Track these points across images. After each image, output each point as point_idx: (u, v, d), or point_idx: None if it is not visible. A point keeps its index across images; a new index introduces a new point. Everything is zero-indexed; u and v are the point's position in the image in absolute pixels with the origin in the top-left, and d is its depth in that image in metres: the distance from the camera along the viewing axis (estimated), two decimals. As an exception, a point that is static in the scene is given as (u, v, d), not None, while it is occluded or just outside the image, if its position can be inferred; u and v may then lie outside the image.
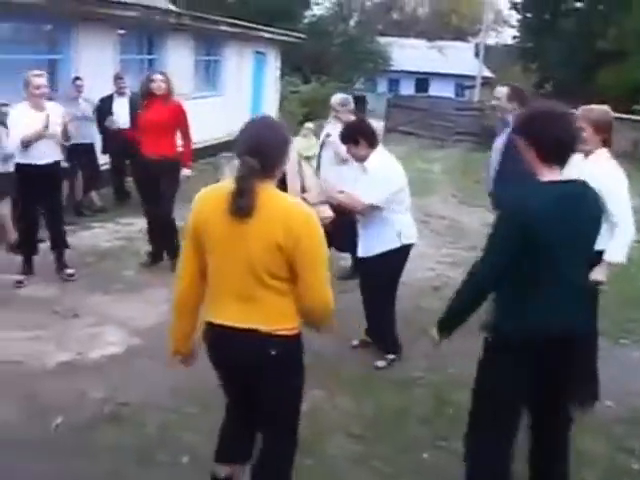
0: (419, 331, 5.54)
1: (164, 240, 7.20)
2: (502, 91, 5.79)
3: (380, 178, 5.00)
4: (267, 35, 17.34)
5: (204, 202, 2.90)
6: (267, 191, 2.78)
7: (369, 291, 5.40)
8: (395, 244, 5.12)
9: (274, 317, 2.84)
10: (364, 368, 5.21)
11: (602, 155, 4.46)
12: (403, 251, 5.21)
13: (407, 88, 41.03)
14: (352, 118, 7.09)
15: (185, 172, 7.19)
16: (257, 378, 2.97)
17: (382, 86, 41.13)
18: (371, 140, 5.11)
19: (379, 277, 5.25)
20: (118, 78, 9.79)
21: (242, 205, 2.71)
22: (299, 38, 19.59)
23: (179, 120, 7.01)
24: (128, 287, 6.66)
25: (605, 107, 4.65)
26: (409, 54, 40.24)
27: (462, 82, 41.60)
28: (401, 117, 24.00)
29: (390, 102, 25.10)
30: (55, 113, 6.43)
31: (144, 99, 7.01)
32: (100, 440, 4.02)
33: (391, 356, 5.36)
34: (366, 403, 4.70)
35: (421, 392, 4.92)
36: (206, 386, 4.48)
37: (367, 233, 5.23)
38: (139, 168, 7.09)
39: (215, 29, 14.25)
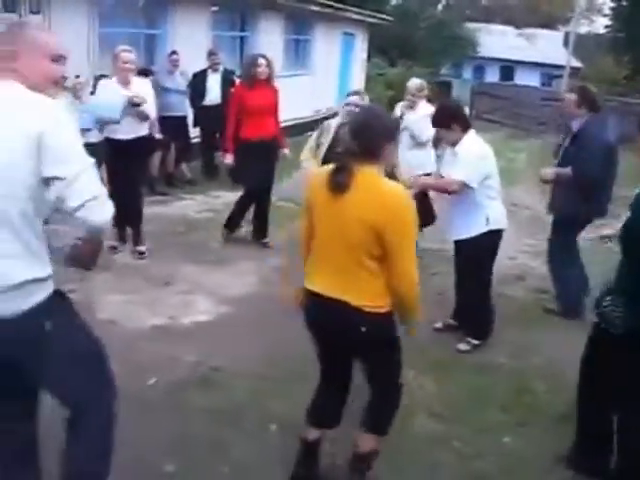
0: (502, 318, 5.57)
1: (262, 216, 7.50)
2: (569, 98, 5.71)
3: (472, 159, 4.98)
4: (355, 16, 17.34)
5: (315, 178, 3.18)
6: (366, 173, 2.97)
7: (461, 274, 5.42)
8: (483, 229, 5.12)
9: (364, 293, 3.01)
10: (448, 351, 5.25)
11: None
12: (492, 236, 5.20)
13: (492, 75, 40.28)
14: (426, 104, 7.17)
15: (285, 151, 7.43)
16: (352, 350, 3.25)
17: (467, 72, 40.54)
18: (464, 124, 5.10)
19: (469, 261, 5.26)
20: (212, 54, 9.95)
21: (338, 181, 2.95)
22: (386, 20, 19.50)
23: (277, 103, 7.23)
24: (216, 258, 6.84)
25: None
26: (496, 41, 39.45)
27: (549, 71, 40.58)
28: (486, 105, 23.67)
29: (475, 89, 24.76)
30: (142, 89, 6.49)
31: (248, 82, 7.09)
32: (191, 401, 4.18)
33: (475, 341, 5.38)
34: (448, 385, 4.73)
35: (502, 378, 4.92)
36: (295, 355, 4.68)
37: (456, 216, 5.24)
38: (244, 151, 7.16)
39: (306, 8, 14.32)
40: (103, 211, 2.49)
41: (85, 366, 2.78)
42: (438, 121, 5.18)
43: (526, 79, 36.56)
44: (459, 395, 4.63)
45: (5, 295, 2.44)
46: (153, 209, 8.36)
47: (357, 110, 5.85)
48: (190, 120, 10.05)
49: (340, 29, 17.30)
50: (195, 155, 10.33)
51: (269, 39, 13.38)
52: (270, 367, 4.68)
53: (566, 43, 40.88)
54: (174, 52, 9.70)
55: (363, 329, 3.02)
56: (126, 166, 6.43)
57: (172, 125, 9.08)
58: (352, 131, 3.01)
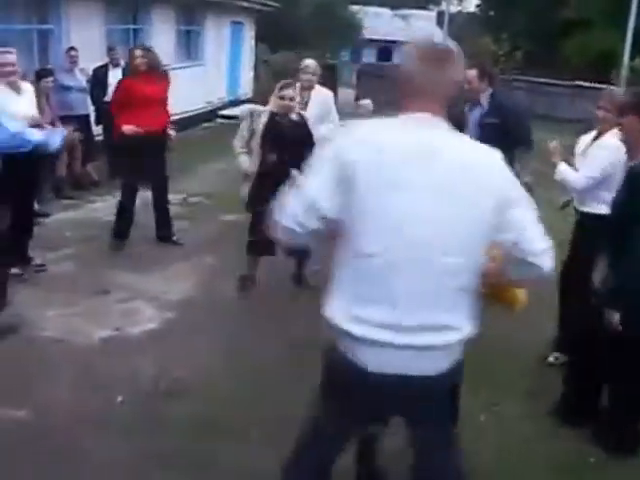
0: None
1: (163, 214, 7.16)
2: (472, 73, 5.69)
3: None
4: (245, 4, 17.14)
5: None
6: None
7: None
8: None
9: None
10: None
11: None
12: None
13: (370, 57, 40.85)
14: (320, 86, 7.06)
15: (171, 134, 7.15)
16: None
17: (344, 56, 40.87)
18: None
19: None
20: (111, 49, 9.63)
21: None
22: (274, 7, 19.39)
23: (166, 94, 7.02)
24: (146, 261, 6.58)
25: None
26: (372, 23, 40.00)
27: (425, 50, 41.55)
28: (371, 85, 23.94)
29: (360, 71, 25.04)
30: (31, 96, 6.00)
31: (131, 75, 6.94)
32: (165, 416, 4.03)
33: None
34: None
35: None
36: (252, 359, 4.68)
37: None
38: (127, 144, 6.77)
39: (196, -2, 14.07)
40: None
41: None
42: None
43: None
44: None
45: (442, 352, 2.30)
46: (65, 215, 8.03)
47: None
48: (92, 118, 9.65)
49: (229, 18, 17.07)
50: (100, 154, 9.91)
51: (161, 31, 13.05)
52: (232, 373, 4.56)
53: (439, 22, 42.15)
54: (72, 48, 9.29)
55: None
56: (19, 182, 5.66)
57: (74, 124, 8.65)
58: None
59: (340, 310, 2.27)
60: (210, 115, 16.11)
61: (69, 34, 10.07)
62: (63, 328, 5.09)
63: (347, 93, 23.02)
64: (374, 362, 2.26)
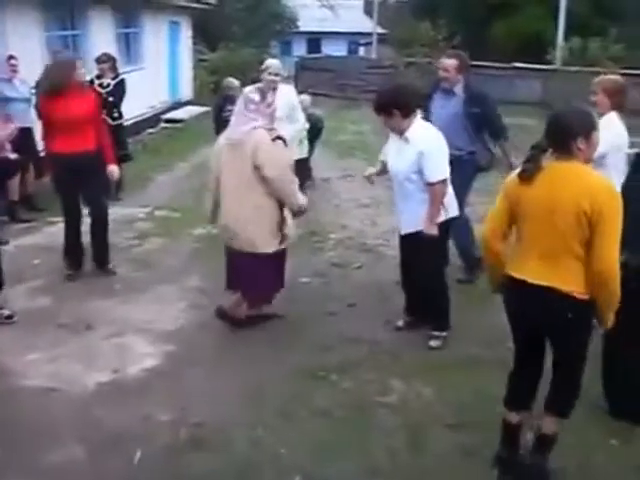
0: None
1: (103, 242, 6.39)
2: (451, 63, 5.82)
3: (436, 152, 4.74)
4: (182, 2, 16.50)
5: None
6: (562, 166, 3.17)
7: (414, 266, 5.09)
8: (441, 218, 4.85)
9: (571, 279, 3.17)
10: (421, 351, 4.94)
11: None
12: (448, 224, 4.97)
13: (299, 49, 40.41)
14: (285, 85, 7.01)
15: (112, 169, 6.28)
16: (550, 332, 3.37)
17: (275, 49, 40.36)
18: (407, 110, 4.76)
19: (425, 250, 4.94)
20: (57, 53, 8.88)
21: (526, 169, 3.22)
22: (210, 4, 18.78)
23: (97, 111, 6.22)
24: (126, 287, 6.06)
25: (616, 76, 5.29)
26: (300, 14, 39.53)
27: (354, 39, 41.42)
28: (311, 79, 23.56)
29: (299, 64, 24.62)
30: None
31: (54, 90, 5.92)
32: (193, 470, 3.58)
33: (444, 333, 5.11)
34: (445, 389, 4.43)
35: (492, 370, 4.68)
36: (274, 390, 4.35)
37: (409, 209, 4.92)
38: (59, 167, 6.12)
39: (133, -1, 13.41)
40: None
41: None
42: (379, 108, 4.80)
43: (333, 49, 37.03)
44: (462, 397, 4.33)
45: None
46: (24, 240, 7.37)
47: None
48: (38, 131, 8.96)
49: (166, 18, 16.39)
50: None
51: (101, 35, 12.36)
52: (256, 410, 4.14)
53: (367, 11, 42.00)
54: (12, 56, 8.59)
55: (570, 315, 3.19)
56: None
57: (18, 138, 7.99)
58: (549, 133, 3.21)
59: None
60: (153, 120, 15.46)
61: (7, 42, 9.34)
62: (52, 374, 4.53)
63: (289, 87, 22.57)
64: None
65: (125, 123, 9.81)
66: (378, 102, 4.80)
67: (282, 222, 4.86)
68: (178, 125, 15.90)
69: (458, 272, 6.23)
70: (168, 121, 16.06)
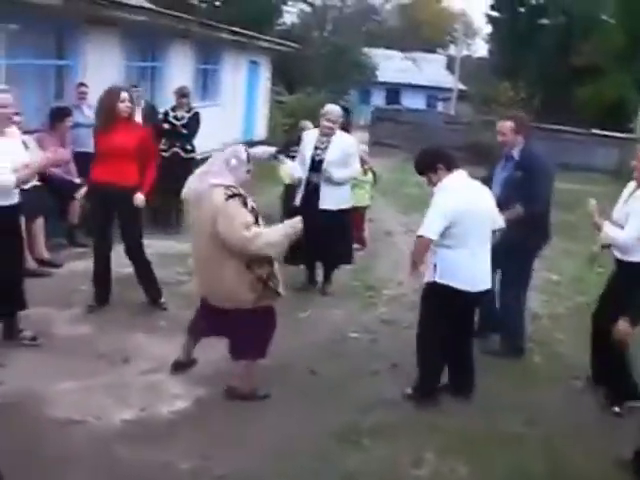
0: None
1: (146, 277, 6.30)
2: (507, 126, 5.54)
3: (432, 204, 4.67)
4: (264, 44, 16.76)
5: None
6: None
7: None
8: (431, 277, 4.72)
9: None
10: (461, 421, 4.68)
11: None
12: (440, 290, 4.69)
13: (378, 99, 40.67)
14: (342, 132, 6.97)
15: (138, 197, 6.04)
16: None
17: (354, 97, 40.72)
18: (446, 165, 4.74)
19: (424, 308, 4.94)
20: (133, 86, 9.06)
21: None
22: (292, 47, 19.03)
23: (144, 146, 6.05)
24: (170, 323, 5.94)
25: None
26: (381, 65, 39.84)
27: (434, 94, 41.46)
28: (386, 130, 23.55)
29: (375, 114, 24.67)
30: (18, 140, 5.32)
31: (104, 122, 5.90)
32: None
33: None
34: (480, 465, 4.16)
35: (533, 451, 4.41)
36: (301, 445, 4.17)
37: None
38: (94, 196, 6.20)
39: (215, 36, 13.61)
40: None
41: None
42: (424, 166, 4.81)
43: (412, 102, 37.08)
44: (499, 478, 4.06)
45: None
46: (78, 264, 7.36)
47: None
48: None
49: (246, 57, 16.66)
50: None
51: (180, 69, 12.60)
52: (282, 468, 3.95)
53: (449, 66, 42.10)
54: (82, 84, 8.87)
55: None
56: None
57: (84, 162, 8.09)
58: None
59: None
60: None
61: (86, 70, 9.57)
62: (80, 405, 4.45)
63: (359, 137, 22.59)
64: None
65: (197, 157, 9.88)
66: (415, 167, 4.88)
67: (263, 276, 4.43)
68: (247, 164, 16.01)
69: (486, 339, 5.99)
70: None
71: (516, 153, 5.60)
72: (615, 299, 4.86)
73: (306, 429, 4.39)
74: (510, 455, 4.31)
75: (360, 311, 6.79)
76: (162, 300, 6.33)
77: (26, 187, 7.15)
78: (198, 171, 4.66)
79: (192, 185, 4.58)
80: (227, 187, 4.37)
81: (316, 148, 6.77)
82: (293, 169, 7.06)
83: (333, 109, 6.86)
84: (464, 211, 4.56)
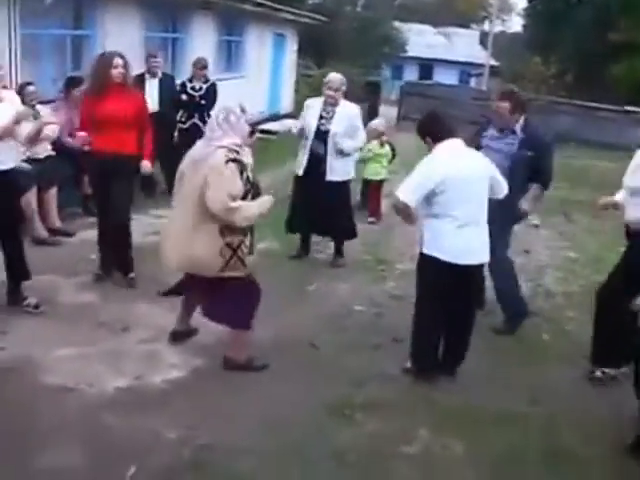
0: (477, 351, 5.03)
1: (117, 252, 6.14)
2: (503, 106, 5.52)
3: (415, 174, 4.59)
4: (289, 16, 16.59)
5: None
6: None
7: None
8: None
9: None
10: (460, 399, 4.60)
11: None
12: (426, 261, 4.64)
13: (411, 74, 40.26)
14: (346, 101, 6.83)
15: (145, 165, 6.07)
16: None
17: (385, 72, 40.36)
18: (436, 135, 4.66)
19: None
20: (151, 56, 9.02)
21: None
22: (319, 20, 18.82)
23: (140, 112, 5.95)
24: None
25: None
26: (413, 39, 39.42)
27: (467, 69, 40.95)
28: (415, 104, 23.23)
29: (404, 89, 24.36)
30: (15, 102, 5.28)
31: (96, 88, 5.77)
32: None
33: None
34: (476, 445, 4.07)
35: (532, 429, 4.32)
36: (291, 419, 4.10)
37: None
38: (92, 167, 6.06)
39: (239, 8, 13.47)
40: None
41: None
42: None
43: (444, 77, 36.65)
44: (494, 457, 3.98)
45: None
46: (91, 233, 7.34)
47: None
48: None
49: (271, 30, 16.53)
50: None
51: (201, 40, 12.52)
52: (269, 441, 3.89)
53: (482, 42, 41.45)
54: (103, 54, 8.74)
55: None
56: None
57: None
58: None
59: None
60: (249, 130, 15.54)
61: (105, 41, 9.53)
62: (75, 373, 4.45)
63: (389, 111, 22.38)
64: None
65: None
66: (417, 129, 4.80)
67: (234, 244, 4.37)
68: (272, 137, 15.90)
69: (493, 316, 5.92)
70: (263, 132, 16.09)
71: (518, 129, 5.59)
72: (628, 275, 4.73)
73: (299, 402, 4.33)
74: (507, 434, 4.21)
75: (369, 285, 6.71)
76: (132, 275, 6.13)
77: (40, 157, 7.31)
78: (200, 141, 4.60)
79: (194, 152, 4.52)
80: (230, 150, 4.31)
81: (321, 117, 6.70)
82: (293, 124, 6.98)
83: (335, 77, 6.80)
84: (448, 179, 4.44)
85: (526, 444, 4.15)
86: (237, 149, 4.34)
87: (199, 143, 4.56)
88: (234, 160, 4.28)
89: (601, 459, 4.07)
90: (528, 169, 5.52)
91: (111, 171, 5.79)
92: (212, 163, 4.26)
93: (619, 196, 5.04)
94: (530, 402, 4.64)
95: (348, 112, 6.75)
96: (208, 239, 4.29)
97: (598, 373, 5.01)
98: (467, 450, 4.03)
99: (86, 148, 6.09)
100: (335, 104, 6.67)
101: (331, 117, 6.66)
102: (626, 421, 4.38)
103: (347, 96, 6.98)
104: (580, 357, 5.30)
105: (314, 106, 6.82)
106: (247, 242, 4.45)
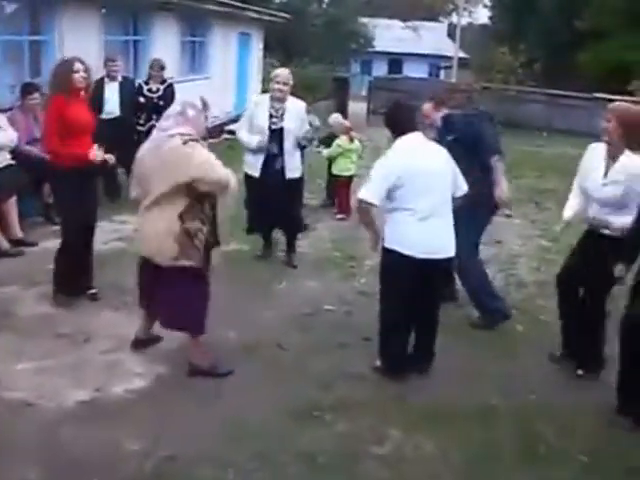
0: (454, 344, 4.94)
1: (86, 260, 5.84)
2: (427, 108, 5.85)
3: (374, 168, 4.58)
4: (254, 15, 16.44)
5: None
6: None
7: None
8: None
9: None
10: (430, 396, 4.51)
11: None
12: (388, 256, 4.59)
13: (380, 69, 40.26)
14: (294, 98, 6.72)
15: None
16: None
17: (354, 67, 40.32)
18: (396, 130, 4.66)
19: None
20: (110, 60, 8.87)
21: None
22: (284, 18, 18.69)
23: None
24: (136, 300, 5.78)
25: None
26: (382, 34, 39.40)
27: (436, 62, 41.02)
28: (384, 99, 23.19)
29: (373, 84, 24.32)
30: None
31: (63, 93, 5.40)
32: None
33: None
34: (449, 443, 3.99)
35: (504, 426, 4.24)
36: (254, 429, 3.98)
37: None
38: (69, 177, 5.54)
39: (202, 8, 13.30)
40: None
41: None
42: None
43: (414, 71, 36.67)
44: (467, 455, 3.89)
45: None
46: (49, 243, 7.14)
47: None
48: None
49: (236, 29, 16.36)
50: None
51: (164, 42, 12.35)
52: (234, 449, 3.79)
53: (450, 34, 41.55)
54: (63, 60, 8.58)
55: None
56: None
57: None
58: None
59: None
60: (217, 130, 15.37)
61: (63, 46, 9.34)
62: (34, 387, 4.30)
63: (359, 107, 22.32)
64: None
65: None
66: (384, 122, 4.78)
67: (191, 230, 4.28)
68: (240, 137, 15.80)
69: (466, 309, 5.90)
70: (231, 132, 15.94)
71: (437, 121, 5.79)
72: (591, 266, 4.71)
73: (266, 406, 4.22)
74: (480, 431, 4.13)
75: (338, 282, 6.62)
76: (93, 291, 5.84)
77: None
78: (154, 131, 4.52)
79: (150, 141, 4.45)
80: (183, 134, 4.24)
81: (271, 116, 6.55)
82: (249, 139, 6.71)
83: (283, 71, 6.72)
84: (407, 172, 4.39)
85: (499, 439, 4.07)
86: (193, 138, 4.27)
87: (153, 134, 4.49)
88: (193, 140, 4.25)
89: (575, 450, 4.00)
90: (461, 150, 5.13)
91: (85, 175, 5.61)
92: (170, 145, 4.22)
93: (568, 211, 4.98)
94: (503, 395, 4.57)
95: (297, 108, 6.66)
96: (167, 223, 4.23)
97: (580, 372, 4.95)
98: (439, 448, 3.95)
99: (48, 157, 5.85)
100: (283, 99, 6.53)
101: (281, 114, 6.53)
102: (599, 407, 4.36)
103: (314, 93, 6.95)
104: (554, 346, 5.24)
105: (262, 103, 6.68)
106: (205, 230, 4.34)
